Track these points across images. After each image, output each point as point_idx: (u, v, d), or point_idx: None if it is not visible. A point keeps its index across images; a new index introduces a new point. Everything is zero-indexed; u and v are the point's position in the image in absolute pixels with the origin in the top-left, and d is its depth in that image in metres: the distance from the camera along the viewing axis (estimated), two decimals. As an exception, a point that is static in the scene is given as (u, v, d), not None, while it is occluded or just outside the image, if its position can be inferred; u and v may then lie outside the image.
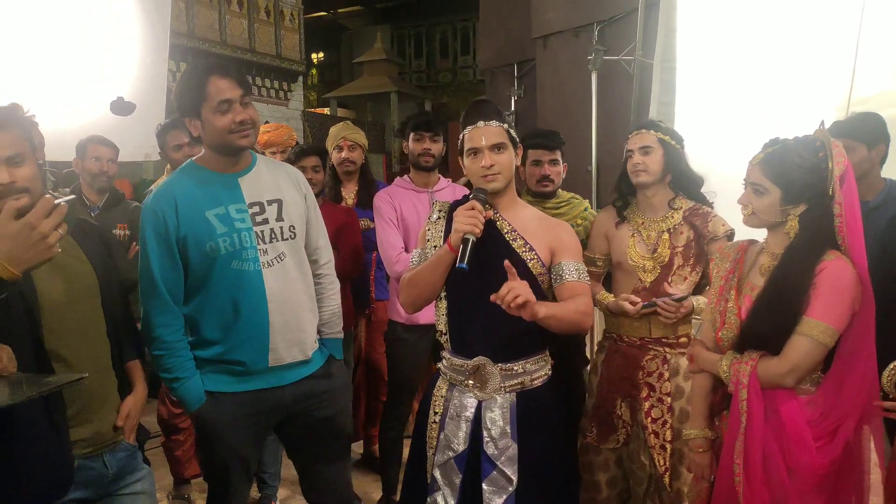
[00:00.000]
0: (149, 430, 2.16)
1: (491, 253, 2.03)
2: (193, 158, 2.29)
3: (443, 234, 2.17)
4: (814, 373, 1.92)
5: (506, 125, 2.10)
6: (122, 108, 4.71)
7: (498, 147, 2.06)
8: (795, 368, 1.86)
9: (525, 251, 2.09)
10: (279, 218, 2.26)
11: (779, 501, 1.87)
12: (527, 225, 2.13)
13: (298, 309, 2.29)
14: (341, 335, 2.51)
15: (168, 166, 3.61)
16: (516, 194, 2.22)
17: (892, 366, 1.89)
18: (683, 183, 2.57)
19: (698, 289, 2.55)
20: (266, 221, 2.23)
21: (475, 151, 2.07)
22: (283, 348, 2.24)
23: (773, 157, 1.91)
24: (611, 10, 5.61)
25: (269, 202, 2.25)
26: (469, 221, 1.97)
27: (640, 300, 2.49)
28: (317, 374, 2.35)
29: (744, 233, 2.20)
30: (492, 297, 1.86)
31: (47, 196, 1.45)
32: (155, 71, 5.08)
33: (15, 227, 1.42)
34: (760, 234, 2.08)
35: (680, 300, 2.42)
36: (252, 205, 2.22)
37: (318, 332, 2.41)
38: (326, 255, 2.47)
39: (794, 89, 3.80)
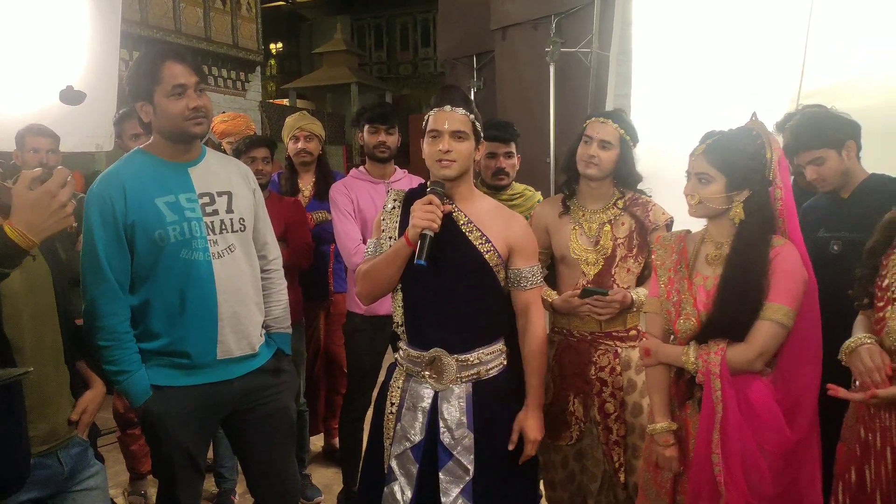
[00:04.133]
0: (99, 428, 2.11)
1: (447, 245, 2.02)
2: (141, 146, 2.23)
3: (398, 223, 2.15)
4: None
5: (472, 115, 2.08)
6: (71, 97, 4.57)
7: (458, 134, 2.04)
8: (764, 352, 1.92)
9: (481, 243, 2.09)
10: (229, 210, 2.23)
11: (754, 484, 1.91)
12: (483, 217, 2.13)
13: (247, 301, 2.26)
14: (290, 330, 2.49)
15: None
16: (473, 185, 2.21)
17: (849, 341, 1.95)
18: (624, 180, 2.53)
19: (640, 280, 2.53)
20: (216, 213, 2.19)
21: (435, 134, 2.04)
22: (233, 341, 2.21)
23: (716, 145, 1.97)
24: (568, 2, 5.63)
25: (220, 194, 2.22)
26: (427, 217, 1.95)
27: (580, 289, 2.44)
28: (265, 367, 2.33)
29: (683, 222, 2.24)
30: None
31: (61, 167, 1.49)
32: (106, 59, 4.92)
33: (34, 195, 1.45)
34: (691, 225, 2.14)
35: (591, 292, 2.41)
36: (202, 195, 2.19)
37: (267, 326, 2.39)
38: (274, 251, 2.46)
39: (747, 82, 3.87)
